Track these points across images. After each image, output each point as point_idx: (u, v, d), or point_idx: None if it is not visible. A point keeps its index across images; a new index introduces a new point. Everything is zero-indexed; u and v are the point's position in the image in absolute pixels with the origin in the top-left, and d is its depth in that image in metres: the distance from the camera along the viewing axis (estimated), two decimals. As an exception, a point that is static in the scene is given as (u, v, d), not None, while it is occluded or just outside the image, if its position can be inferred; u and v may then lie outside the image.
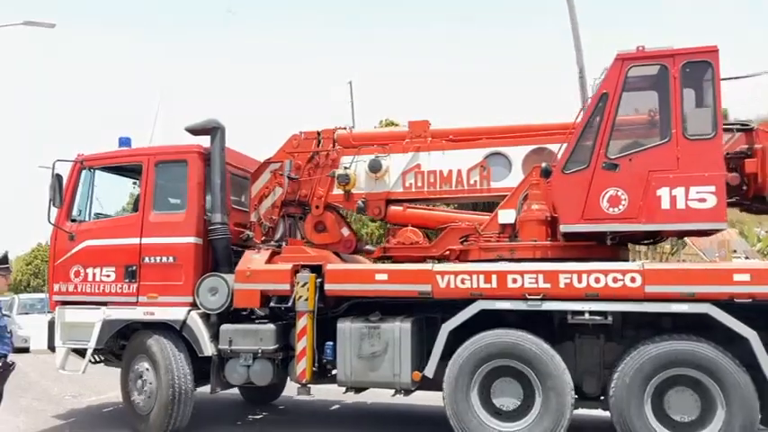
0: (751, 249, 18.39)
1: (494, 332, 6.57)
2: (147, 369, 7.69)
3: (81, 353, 8.18)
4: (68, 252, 8.21)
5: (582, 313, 6.37)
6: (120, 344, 8.27)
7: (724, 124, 7.11)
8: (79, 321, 8.08)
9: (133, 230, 8.01)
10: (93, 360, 8.42)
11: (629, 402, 6.13)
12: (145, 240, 7.93)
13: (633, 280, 6.21)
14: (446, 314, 6.84)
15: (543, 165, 6.98)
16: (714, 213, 6.12)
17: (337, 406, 9.63)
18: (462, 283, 6.69)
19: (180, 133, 8.26)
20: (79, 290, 8.13)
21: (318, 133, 8.47)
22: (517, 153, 7.58)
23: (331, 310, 7.41)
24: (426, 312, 7.23)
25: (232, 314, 7.77)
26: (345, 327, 7.12)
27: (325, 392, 8.20)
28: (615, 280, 6.26)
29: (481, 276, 6.62)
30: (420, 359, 6.97)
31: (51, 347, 8.31)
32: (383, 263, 8.10)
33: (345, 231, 8.43)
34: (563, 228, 6.57)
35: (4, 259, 6.03)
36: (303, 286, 7.23)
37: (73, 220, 8.37)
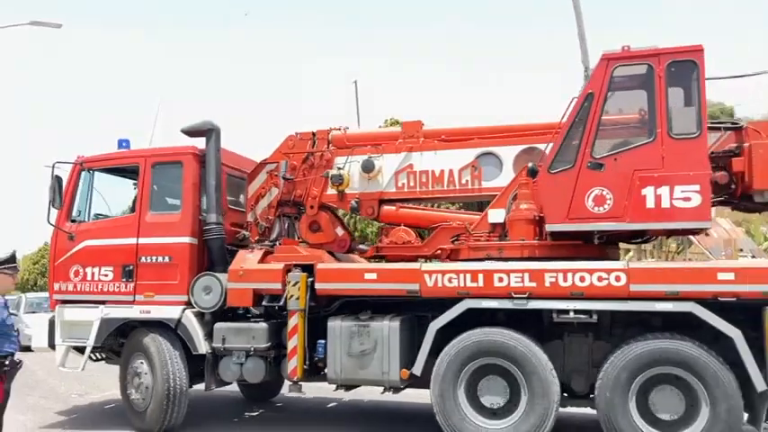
0: (758, 248, 18.28)
1: (479, 330, 6.64)
2: (144, 367, 7.83)
3: (81, 350, 8.34)
4: (68, 252, 8.38)
5: (567, 312, 6.42)
6: (119, 342, 8.41)
7: (713, 123, 7.16)
8: (78, 320, 8.24)
9: (130, 231, 8.16)
10: (94, 358, 8.60)
11: (613, 400, 6.17)
12: (141, 240, 8.08)
13: (618, 279, 6.24)
14: (435, 313, 6.90)
15: (530, 165, 7.04)
16: (699, 212, 6.14)
17: (334, 403, 9.74)
18: (449, 281, 6.76)
19: (180, 134, 8.42)
20: (78, 289, 8.28)
21: (313, 134, 8.58)
22: (508, 153, 7.64)
23: (323, 309, 7.50)
24: (416, 311, 7.30)
25: (229, 313, 7.91)
26: (336, 325, 7.22)
27: (325, 390, 8.29)
28: (600, 279, 6.29)
29: (468, 275, 6.69)
30: (409, 357, 7.03)
31: (52, 345, 8.48)
32: (378, 262, 8.19)
33: (340, 231, 8.54)
34: (549, 227, 6.62)
35: (12, 258, 6.07)
36: (294, 285, 7.33)
37: (73, 221, 8.54)
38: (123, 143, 8.77)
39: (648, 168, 6.25)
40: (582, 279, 6.34)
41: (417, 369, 6.86)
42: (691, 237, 16.89)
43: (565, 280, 6.38)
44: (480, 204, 9.33)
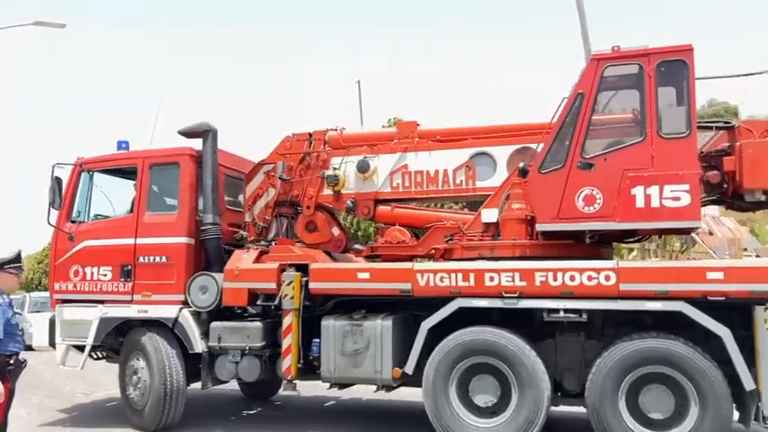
0: (763, 247, 18.18)
1: (470, 330, 6.68)
2: (142, 365, 7.94)
3: (82, 349, 8.45)
4: (68, 252, 8.50)
5: (557, 311, 6.45)
6: (119, 341, 8.52)
7: (705, 122, 7.17)
8: (78, 319, 8.36)
9: (128, 231, 8.27)
10: (95, 357, 8.73)
11: (603, 399, 6.19)
12: (139, 240, 8.19)
13: (608, 278, 6.26)
14: (428, 312, 6.94)
15: (521, 165, 7.06)
16: (688, 212, 6.15)
17: (332, 402, 9.80)
18: (441, 281, 6.80)
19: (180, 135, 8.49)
20: (78, 288, 8.41)
21: (310, 135, 8.65)
22: (502, 153, 7.67)
23: (318, 308, 7.57)
24: (409, 310, 7.35)
25: (227, 312, 8.00)
26: (329, 324, 7.28)
27: (323, 389, 8.27)
28: (590, 278, 6.32)
29: (459, 275, 6.73)
30: (402, 356, 7.07)
31: (52, 344, 8.60)
32: (373, 261, 8.24)
33: (336, 231, 8.60)
34: (539, 227, 6.65)
35: (17, 258, 6.11)
36: (289, 285, 7.40)
37: (73, 222, 8.66)
38: (122, 145, 8.87)
39: (638, 168, 6.26)
40: (572, 278, 6.36)
41: (409, 368, 6.91)
42: (695, 236, 16.86)
43: (555, 279, 6.41)
44: (479, 204, 9.36)
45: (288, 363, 7.35)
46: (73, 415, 9.24)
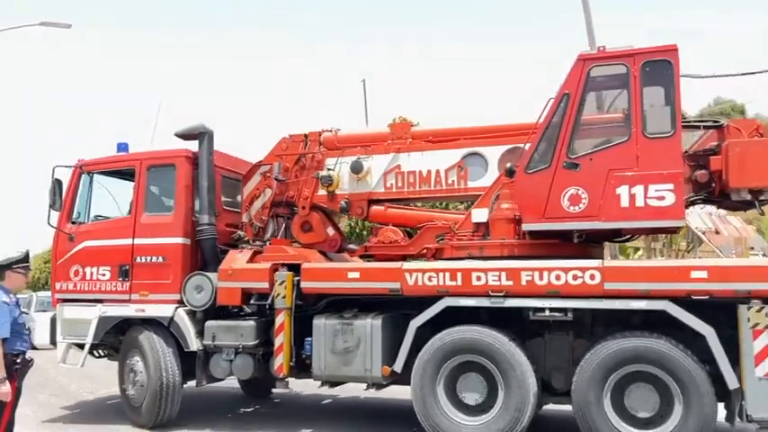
0: (769, 246, 18.03)
1: (457, 328, 6.74)
2: (139, 363, 8.09)
3: (83, 347, 8.61)
4: (68, 252, 8.68)
5: (543, 310, 6.49)
6: (120, 339, 8.69)
7: (693, 121, 7.18)
8: (78, 318, 8.53)
9: (127, 231, 8.43)
10: (96, 355, 8.91)
11: (589, 398, 6.23)
12: (137, 241, 8.35)
13: (593, 277, 6.30)
14: (417, 311, 7.01)
15: (508, 165, 7.11)
16: (672, 211, 6.17)
17: (329, 400, 9.90)
18: (429, 280, 6.87)
19: (180, 135, 8.62)
20: (78, 288, 8.59)
21: (305, 136, 8.75)
22: (493, 153, 7.72)
23: (311, 308, 7.67)
24: (399, 309, 7.42)
25: (224, 311, 8.12)
26: (320, 323, 7.38)
27: (321, 387, 8.41)
28: (575, 277, 6.35)
29: (447, 274, 6.80)
30: (391, 355, 7.15)
31: (53, 342, 8.79)
32: (367, 261, 8.33)
33: (331, 231, 8.68)
34: (525, 226, 6.71)
35: (26, 258, 6.21)
36: (281, 284, 7.51)
37: (73, 223, 8.83)
38: (122, 147, 9.03)
39: (623, 168, 6.30)
40: (557, 277, 6.40)
41: (398, 366, 6.99)
42: (701, 235, 16.79)
43: (541, 278, 6.46)
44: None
45: (280, 361, 7.46)
46: (77, 412, 9.42)
